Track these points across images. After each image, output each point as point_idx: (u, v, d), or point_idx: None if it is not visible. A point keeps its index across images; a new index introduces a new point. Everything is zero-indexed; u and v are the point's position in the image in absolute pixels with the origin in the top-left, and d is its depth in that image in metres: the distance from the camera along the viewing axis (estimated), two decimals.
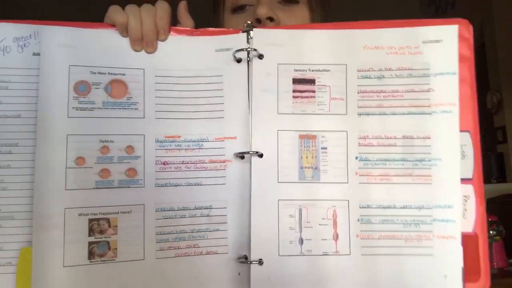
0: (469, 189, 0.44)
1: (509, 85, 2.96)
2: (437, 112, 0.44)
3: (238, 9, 0.57)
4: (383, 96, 0.45)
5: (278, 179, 0.45)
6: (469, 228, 0.43)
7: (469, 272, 0.43)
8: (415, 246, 0.43)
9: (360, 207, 0.45)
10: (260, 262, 0.43)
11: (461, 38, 0.45)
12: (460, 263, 0.42)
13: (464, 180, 0.44)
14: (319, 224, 0.44)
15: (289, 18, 0.55)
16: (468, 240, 0.43)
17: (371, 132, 0.45)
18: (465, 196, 0.43)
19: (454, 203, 0.43)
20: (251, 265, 0.43)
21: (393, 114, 0.45)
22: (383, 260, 0.43)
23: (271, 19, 0.53)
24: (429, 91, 0.45)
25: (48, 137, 0.42)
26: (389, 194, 0.44)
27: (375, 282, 0.43)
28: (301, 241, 0.44)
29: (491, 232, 1.94)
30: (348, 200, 0.45)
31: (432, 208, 0.44)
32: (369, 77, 0.46)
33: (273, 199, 0.44)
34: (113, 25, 0.45)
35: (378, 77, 0.45)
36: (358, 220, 0.44)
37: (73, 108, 0.43)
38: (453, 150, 0.44)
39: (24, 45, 0.43)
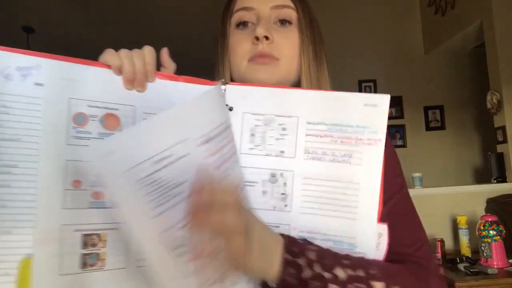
0: (384, 229, 0.55)
1: (509, 85, 2.99)
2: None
3: (241, 24, 0.67)
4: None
5: None
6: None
7: None
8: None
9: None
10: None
11: None
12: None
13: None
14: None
15: (282, 38, 0.65)
16: None
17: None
18: (379, 233, 0.55)
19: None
20: None
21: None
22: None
23: (266, 37, 0.63)
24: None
25: (50, 161, 0.47)
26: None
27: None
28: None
29: (491, 232, 2.01)
30: None
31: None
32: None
33: None
34: (107, 65, 0.51)
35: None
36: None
37: (72, 136, 0.49)
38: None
39: (27, 75, 0.47)
